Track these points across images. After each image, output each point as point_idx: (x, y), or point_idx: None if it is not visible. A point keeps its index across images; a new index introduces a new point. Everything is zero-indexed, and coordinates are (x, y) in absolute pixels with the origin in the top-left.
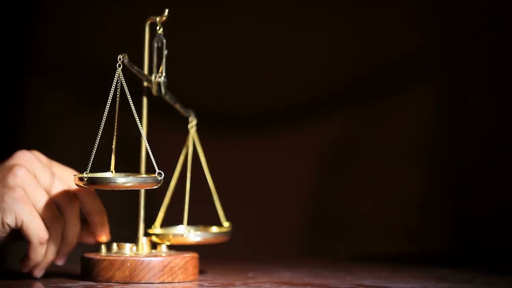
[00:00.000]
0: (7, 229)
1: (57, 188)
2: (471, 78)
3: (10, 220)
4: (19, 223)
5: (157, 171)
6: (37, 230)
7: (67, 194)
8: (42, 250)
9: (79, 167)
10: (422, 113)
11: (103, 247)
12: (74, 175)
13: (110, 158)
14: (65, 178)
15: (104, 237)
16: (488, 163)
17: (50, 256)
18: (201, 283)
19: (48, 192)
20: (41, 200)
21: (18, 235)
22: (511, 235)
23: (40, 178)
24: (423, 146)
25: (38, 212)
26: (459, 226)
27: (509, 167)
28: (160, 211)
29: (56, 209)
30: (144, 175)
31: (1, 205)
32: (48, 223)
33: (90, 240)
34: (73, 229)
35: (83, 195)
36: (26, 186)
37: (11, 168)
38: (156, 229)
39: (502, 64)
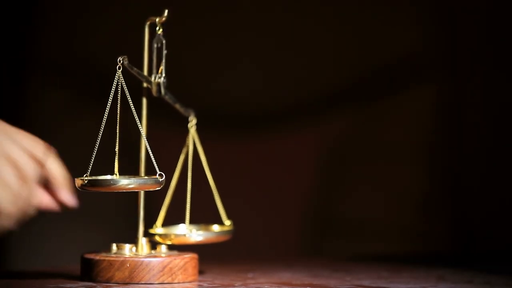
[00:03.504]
0: None
1: (18, 156)
2: (471, 78)
3: None
4: None
5: (158, 172)
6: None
7: (28, 162)
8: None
9: (79, 167)
10: (422, 113)
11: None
12: (76, 177)
13: (111, 159)
14: (27, 145)
15: (68, 199)
16: (488, 163)
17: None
18: (201, 283)
19: (10, 161)
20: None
21: None
22: (511, 235)
23: None
24: (423, 146)
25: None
26: (459, 226)
27: (509, 167)
28: (161, 210)
29: (16, 180)
30: (145, 177)
31: None
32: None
33: (53, 205)
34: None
35: (46, 162)
36: None
37: None
38: (158, 228)
39: (502, 64)
